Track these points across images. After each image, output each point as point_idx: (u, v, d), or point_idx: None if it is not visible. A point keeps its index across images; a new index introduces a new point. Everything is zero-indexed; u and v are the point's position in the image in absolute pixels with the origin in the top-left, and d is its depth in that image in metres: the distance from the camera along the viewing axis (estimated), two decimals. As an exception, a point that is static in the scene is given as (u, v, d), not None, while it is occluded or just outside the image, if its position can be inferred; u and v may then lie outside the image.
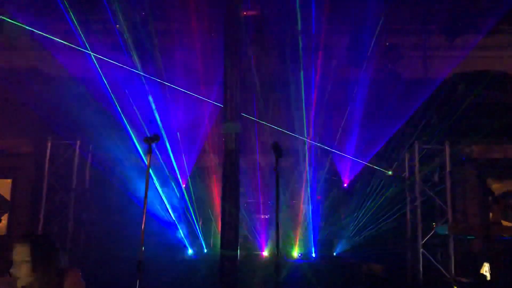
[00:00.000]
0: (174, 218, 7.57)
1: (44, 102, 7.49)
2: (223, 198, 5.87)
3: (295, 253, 7.54)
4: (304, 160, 7.49)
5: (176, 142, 7.71)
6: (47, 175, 7.57)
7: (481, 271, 5.60)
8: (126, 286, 5.42)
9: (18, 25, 7.07)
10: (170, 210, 7.57)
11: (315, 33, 6.73)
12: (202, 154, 7.95)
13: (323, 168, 7.66)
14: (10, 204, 8.18)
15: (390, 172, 7.50)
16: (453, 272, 6.84)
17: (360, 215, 7.38)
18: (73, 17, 6.65)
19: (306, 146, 7.37)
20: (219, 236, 7.39)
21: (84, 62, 7.30)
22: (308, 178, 7.50)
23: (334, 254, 7.60)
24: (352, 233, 7.43)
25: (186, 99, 7.64)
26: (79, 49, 7.04)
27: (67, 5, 6.58)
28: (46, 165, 7.59)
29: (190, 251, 7.65)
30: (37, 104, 7.56)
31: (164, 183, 7.54)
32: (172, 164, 7.56)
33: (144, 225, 3.78)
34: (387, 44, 7.47)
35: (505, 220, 6.32)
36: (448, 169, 7.08)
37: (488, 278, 5.21)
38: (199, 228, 7.72)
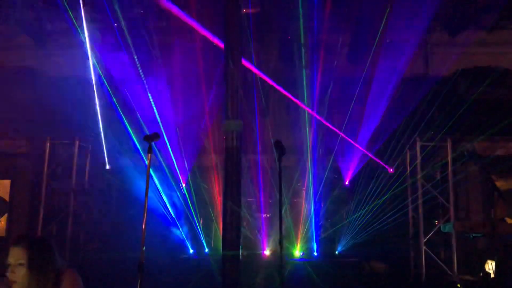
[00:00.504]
0: (174, 218, 7.51)
1: (42, 101, 7.42)
2: (225, 197, 5.82)
3: (297, 252, 7.50)
4: (306, 158, 7.43)
5: (176, 141, 7.65)
6: (46, 175, 7.52)
7: (481, 273, 5.55)
8: (126, 287, 5.40)
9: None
10: (170, 210, 7.52)
11: (316, 30, 6.67)
12: (202, 153, 7.89)
13: (325, 166, 7.60)
14: (8, 206, 8.13)
15: (391, 170, 7.45)
16: (456, 270, 6.81)
17: (362, 213, 7.33)
18: (71, 15, 6.58)
19: (308, 144, 7.32)
20: (220, 235, 7.35)
21: (83, 61, 7.23)
22: (310, 177, 7.44)
23: (336, 252, 7.56)
24: (354, 231, 7.38)
25: (186, 97, 7.59)
26: (77, 48, 6.97)
27: (66, 4, 6.50)
28: (45, 166, 7.53)
29: (191, 251, 7.60)
30: (35, 103, 7.50)
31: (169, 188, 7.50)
32: (173, 163, 7.50)
33: (145, 225, 3.70)
34: (388, 41, 7.41)
35: (509, 217, 6.28)
36: (450, 166, 7.05)
37: (492, 275, 5.17)
38: (200, 227, 7.67)
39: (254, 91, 7.05)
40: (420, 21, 6.89)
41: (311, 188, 7.44)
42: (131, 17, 6.95)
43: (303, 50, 6.70)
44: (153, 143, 3.80)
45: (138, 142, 7.16)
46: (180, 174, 7.61)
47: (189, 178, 7.70)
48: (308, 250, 7.53)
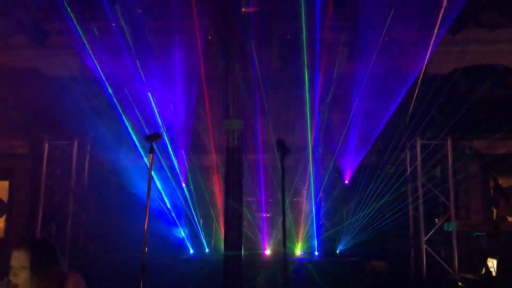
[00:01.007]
0: (175, 218, 7.49)
1: (40, 102, 7.38)
2: (226, 197, 5.81)
3: (298, 251, 7.49)
4: (307, 158, 7.41)
5: (176, 140, 7.62)
6: (44, 176, 7.48)
7: (484, 270, 5.55)
8: (127, 287, 5.37)
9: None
10: (171, 210, 7.49)
11: (317, 28, 6.64)
12: (202, 152, 7.85)
13: (326, 165, 7.59)
14: (7, 207, 8.09)
15: (391, 169, 7.44)
16: (456, 268, 6.82)
17: (363, 212, 7.32)
18: (72, 16, 6.53)
19: (309, 143, 7.30)
20: (220, 235, 7.35)
21: (82, 61, 7.19)
22: (311, 176, 7.43)
23: (337, 252, 7.55)
24: (355, 231, 7.37)
25: (186, 96, 7.56)
26: (76, 48, 6.92)
27: (65, 4, 6.45)
28: (44, 166, 7.49)
29: (191, 251, 7.57)
30: (33, 104, 7.45)
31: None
32: (172, 163, 7.47)
33: (147, 225, 3.67)
34: (387, 39, 7.39)
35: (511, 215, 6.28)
36: (450, 165, 7.06)
37: (494, 274, 5.17)
38: (200, 227, 7.64)
39: (255, 90, 7.02)
40: (423, 19, 6.89)
41: (312, 187, 7.43)
42: (130, 15, 6.90)
43: (304, 48, 6.67)
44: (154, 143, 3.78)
45: (137, 141, 7.13)
46: (180, 173, 7.58)
47: (189, 178, 7.67)
48: (308, 250, 7.52)
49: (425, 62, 6.94)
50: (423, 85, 7.07)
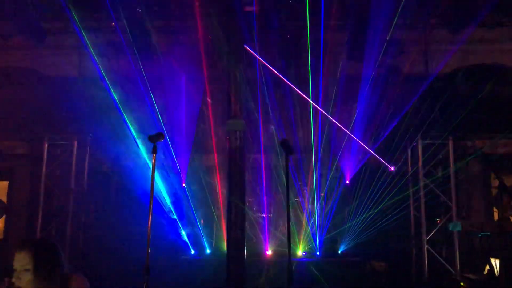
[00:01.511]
0: (176, 218, 7.45)
1: (40, 102, 7.33)
2: (229, 198, 5.78)
3: (300, 251, 7.47)
4: (309, 157, 7.39)
5: (177, 140, 7.59)
6: (44, 176, 7.43)
7: (488, 267, 5.53)
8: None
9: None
10: (172, 210, 7.46)
11: (321, 27, 6.61)
12: (204, 152, 7.82)
13: (328, 165, 7.57)
14: (7, 207, 8.04)
15: (393, 168, 7.43)
16: (458, 268, 6.81)
17: (364, 212, 7.31)
18: (73, 15, 6.49)
19: (312, 143, 7.28)
20: (221, 236, 7.33)
21: (82, 61, 7.15)
22: (314, 176, 7.41)
23: (339, 252, 7.53)
24: (356, 231, 7.36)
25: (188, 96, 7.52)
26: (76, 48, 6.88)
27: (66, 2, 6.41)
28: (43, 166, 7.44)
29: (192, 252, 7.54)
30: (33, 104, 7.41)
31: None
32: (174, 163, 7.44)
33: (150, 226, 3.64)
34: (388, 39, 7.38)
35: (513, 215, 6.27)
36: (452, 165, 7.05)
37: (497, 274, 5.15)
38: (201, 228, 7.62)
39: (258, 90, 6.99)
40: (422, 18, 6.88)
41: (314, 187, 7.41)
42: (131, 15, 6.86)
43: (308, 48, 6.63)
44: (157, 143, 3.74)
45: (139, 142, 7.09)
46: (181, 173, 7.55)
47: (191, 178, 7.64)
48: (310, 250, 7.50)
49: (427, 62, 6.93)
50: (425, 85, 7.06)
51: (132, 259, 5.04)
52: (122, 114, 7.03)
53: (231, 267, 5.75)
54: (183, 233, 7.53)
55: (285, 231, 6.78)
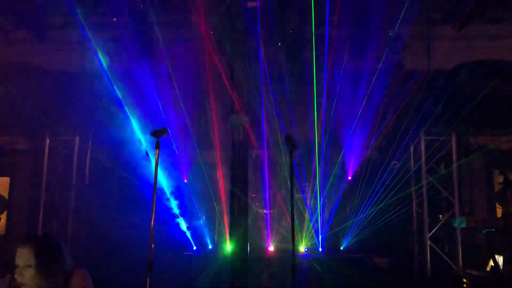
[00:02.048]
0: (178, 214, 7.44)
1: (41, 97, 7.29)
2: (232, 194, 5.76)
3: (302, 247, 7.46)
4: (313, 153, 7.37)
5: (180, 136, 7.56)
6: (45, 172, 7.41)
7: (491, 264, 5.53)
8: (128, 284, 5.33)
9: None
10: (174, 206, 7.44)
11: (325, 23, 6.57)
12: (206, 148, 7.79)
13: (331, 161, 7.55)
14: (8, 203, 8.02)
15: (395, 164, 7.41)
16: (461, 264, 6.80)
17: (366, 208, 7.30)
18: (75, 9, 6.44)
19: (316, 139, 7.25)
20: (223, 232, 7.32)
21: (83, 56, 7.10)
22: (317, 172, 7.39)
23: (341, 248, 7.53)
24: (359, 227, 7.35)
25: (191, 91, 7.49)
26: (78, 43, 6.83)
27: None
28: (45, 162, 7.42)
29: (194, 248, 7.53)
30: (34, 99, 7.36)
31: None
32: (176, 158, 7.42)
33: (153, 222, 3.61)
34: (391, 35, 7.34)
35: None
36: (455, 161, 7.02)
37: (501, 271, 5.14)
38: (203, 224, 7.60)
39: (261, 85, 6.95)
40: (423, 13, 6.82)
41: (317, 183, 7.39)
42: (133, 10, 6.82)
43: (313, 43, 6.59)
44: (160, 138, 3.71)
45: (140, 137, 7.06)
46: (183, 169, 7.53)
47: (192, 174, 7.62)
48: (312, 246, 7.49)
49: (430, 58, 6.89)
50: (428, 81, 7.02)
51: (135, 254, 5.02)
52: (124, 109, 6.99)
53: (233, 263, 5.73)
54: (186, 229, 7.51)
55: (288, 227, 6.78)
